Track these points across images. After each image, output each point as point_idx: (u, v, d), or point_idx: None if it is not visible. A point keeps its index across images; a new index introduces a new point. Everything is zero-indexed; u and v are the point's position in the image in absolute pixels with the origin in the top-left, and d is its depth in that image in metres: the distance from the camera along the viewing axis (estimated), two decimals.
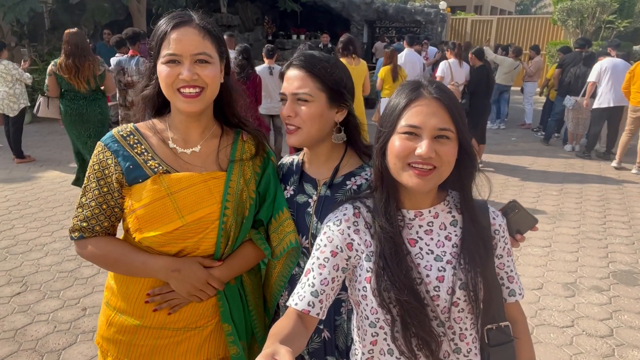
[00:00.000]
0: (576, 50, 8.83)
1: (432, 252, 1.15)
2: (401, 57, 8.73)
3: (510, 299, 1.23)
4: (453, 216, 1.19)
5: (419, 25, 16.25)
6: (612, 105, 7.34)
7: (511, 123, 10.69)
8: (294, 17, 17.50)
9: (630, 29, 13.48)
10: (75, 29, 5.25)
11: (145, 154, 1.35)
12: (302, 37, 17.01)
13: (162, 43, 1.28)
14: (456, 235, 1.17)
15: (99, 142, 1.38)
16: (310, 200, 1.41)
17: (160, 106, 1.41)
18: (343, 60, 5.63)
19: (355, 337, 1.26)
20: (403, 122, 1.10)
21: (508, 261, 1.23)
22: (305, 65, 1.36)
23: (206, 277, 1.34)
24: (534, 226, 1.33)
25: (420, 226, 1.17)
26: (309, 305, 1.11)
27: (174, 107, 1.36)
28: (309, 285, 1.13)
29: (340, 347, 1.42)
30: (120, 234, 1.45)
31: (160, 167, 1.33)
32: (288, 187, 1.47)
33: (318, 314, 1.12)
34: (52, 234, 4.68)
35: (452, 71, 7.00)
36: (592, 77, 7.39)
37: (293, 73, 1.36)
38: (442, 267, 1.13)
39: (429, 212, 1.18)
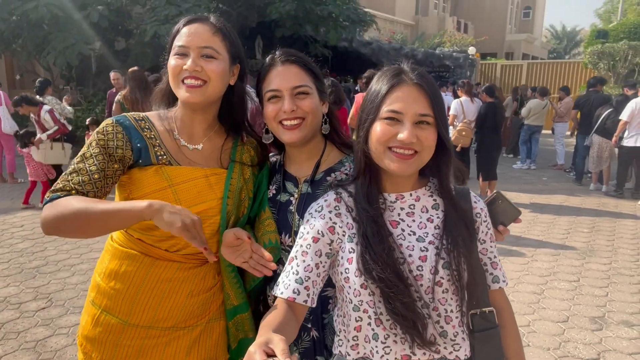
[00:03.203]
0: (590, 90, 8.88)
1: (414, 234, 1.15)
2: None
3: (494, 286, 1.22)
4: (435, 200, 1.21)
5: (447, 69, 16.49)
6: (638, 145, 7.21)
7: (543, 164, 10.51)
8: (325, 62, 18.07)
9: None
10: (136, 67, 6.19)
11: (154, 139, 1.36)
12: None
13: (174, 38, 1.35)
14: (438, 217, 1.18)
15: (108, 119, 1.37)
16: (292, 198, 1.41)
17: (175, 102, 1.45)
18: None
19: (339, 327, 1.24)
20: (385, 108, 1.11)
21: (491, 247, 1.22)
22: (298, 60, 1.38)
23: (193, 217, 1.17)
24: (517, 218, 1.32)
25: (402, 208, 1.19)
26: (294, 292, 1.11)
27: (179, 99, 1.38)
28: (293, 273, 1.14)
29: (330, 347, 1.38)
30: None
31: (165, 157, 1.35)
32: (270, 187, 1.47)
33: (306, 301, 1.12)
34: (80, 256, 4.85)
35: (464, 109, 7.12)
36: (624, 116, 7.29)
37: (287, 68, 1.36)
38: (424, 247, 1.13)
39: (410, 195, 1.19)
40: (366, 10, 14.21)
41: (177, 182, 1.32)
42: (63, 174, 1.30)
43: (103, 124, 1.37)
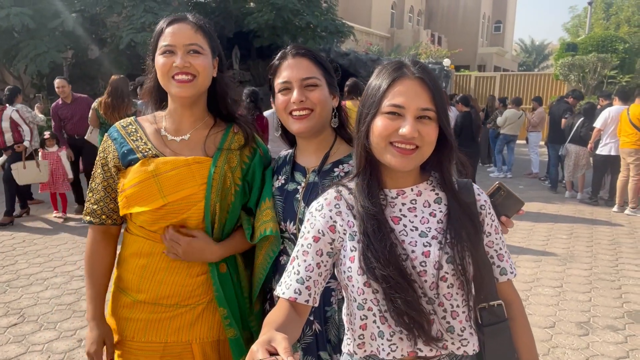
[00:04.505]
0: (562, 98, 9.28)
1: (417, 229, 1.13)
2: None
3: (502, 278, 1.20)
4: (437, 194, 1.19)
5: None
6: (612, 153, 7.40)
7: (518, 173, 10.71)
8: None
9: (632, 84, 13.76)
10: (122, 75, 6.00)
11: (140, 140, 1.48)
12: None
13: (159, 38, 1.43)
14: (441, 211, 1.16)
15: (106, 134, 1.54)
16: (299, 187, 1.45)
17: (163, 99, 1.52)
18: (349, 102, 5.76)
19: (347, 325, 1.22)
20: (386, 102, 1.10)
21: (497, 239, 1.20)
22: (308, 53, 1.43)
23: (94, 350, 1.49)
24: (520, 209, 1.30)
25: (403, 204, 1.17)
26: (295, 292, 1.10)
27: (169, 96, 1.47)
28: (294, 273, 1.13)
29: (333, 341, 1.38)
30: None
31: (151, 152, 1.45)
32: (280, 177, 1.50)
33: (307, 301, 1.10)
34: (54, 269, 4.64)
35: None
36: (597, 124, 7.48)
37: (297, 61, 1.41)
38: (427, 242, 1.11)
39: (412, 190, 1.18)
40: (343, 21, 14.31)
41: (160, 172, 1.41)
42: (88, 190, 1.56)
43: (103, 140, 1.54)
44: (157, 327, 1.45)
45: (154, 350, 1.45)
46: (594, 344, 3.35)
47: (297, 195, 1.43)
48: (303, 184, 1.44)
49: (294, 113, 1.39)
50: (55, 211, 6.61)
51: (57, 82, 6.68)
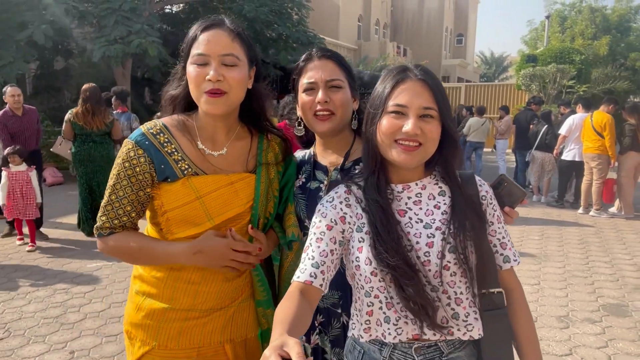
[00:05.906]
0: (526, 107, 9.79)
1: (422, 221, 1.20)
2: None
3: (505, 266, 1.25)
4: (440, 187, 1.25)
5: None
6: (577, 159, 7.79)
7: (486, 179, 10.85)
8: (274, 83, 18.17)
9: (588, 93, 14.49)
10: (93, 84, 5.97)
11: (175, 153, 1.35)
12: (281, 101, 17.59)
13: (192, 44, 1.33)
14: (445, 203, 1.22)
15: (127, 140, 1.37)
16: (322, 185, 1.50)
17: (190, 108, 1.44)
18: None
19: (353, 311, 1.28)
20: (391, 102, 1.17)
21: (499, 228, 1.26)
22: (333, 56, 1.49)
23: (226, 244, 1.32)
24: (523, 199, 1.35)
25: (409, 197, 1.23)
26: (311, 276, 1.13)
27: (201, 109, 1.38)
28: (309, 258, 1.16)
29: None
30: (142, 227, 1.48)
31: (190, 169, 1.35)
32: (300, 177, 1.55)
33: (321, 285, 1.13)
34: (34, 283, 4.52)
35: None
36: (562, 131, 7.86)
37: (323, 62, 1.47)
38: (431, 233, 1.17)
39: (416, 184, 1.24)
40: (315, 33, 14.50)
41: (204, 193, 1.34)
42: (102, 207, 1.38)
43: (124, 149, 1.36)
44: (190, 332, 1.39)
45: (188, 356, 1.40)
46: (575, 336, 3.54)
47: (321, 193, 1.48)
48: (326, 182, 1.49)
49: (318, 113, 1.44)
50: (19, 239, 5.74)
51: (10, 90, 5.89)
